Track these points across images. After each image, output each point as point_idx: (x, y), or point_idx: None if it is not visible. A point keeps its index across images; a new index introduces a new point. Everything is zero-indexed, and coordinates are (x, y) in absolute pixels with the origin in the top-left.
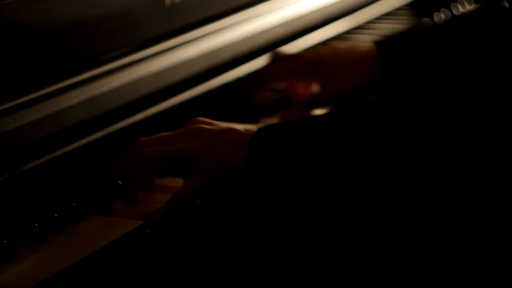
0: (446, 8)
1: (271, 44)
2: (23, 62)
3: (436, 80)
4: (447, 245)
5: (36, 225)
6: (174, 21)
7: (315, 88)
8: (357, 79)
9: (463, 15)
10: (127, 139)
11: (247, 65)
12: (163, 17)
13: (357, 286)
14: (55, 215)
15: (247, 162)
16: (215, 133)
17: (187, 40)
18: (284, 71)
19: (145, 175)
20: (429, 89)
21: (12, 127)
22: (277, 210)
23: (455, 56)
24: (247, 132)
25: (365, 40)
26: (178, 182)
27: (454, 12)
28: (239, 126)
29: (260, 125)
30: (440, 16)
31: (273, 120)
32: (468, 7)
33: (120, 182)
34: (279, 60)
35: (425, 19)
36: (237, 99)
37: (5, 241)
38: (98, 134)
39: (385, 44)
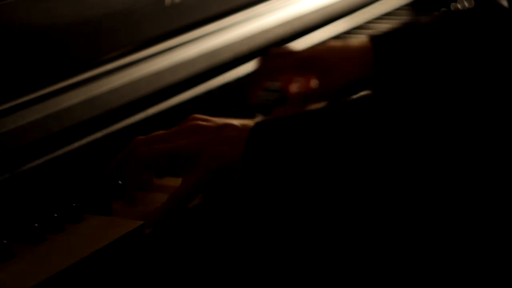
0: (446, 8)
1: (271, 44)
2: (23, 62)
3: (429, 76)
4: (441, 237)
5: (36, 225)
6: (174, 21)
7: (310, 83)
8: (352, 73)
9: (457, 12)
10: (127, 139)
11: (247, 65)
12: (163, 17)
13: (357, 282)
14: (55, 215)
15: (245, 157)
16: (212, 129)
17: (187, 40)
18: (279, 67)
19: (144, 174)
20: (421, 85)
21: (12, 127)
22: (275, 204)
23: (449, 52)
24: (244, 127)
25: None
26: (177, 182)
27: None
28: (236, 122)
29: (257, 119)
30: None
31: None
32: (468, 7)
33: (120, 182)
34: (274, 57)
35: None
36: (237, 99)
37: (5, 241)
38: (98, 134)
39: (379, 39)
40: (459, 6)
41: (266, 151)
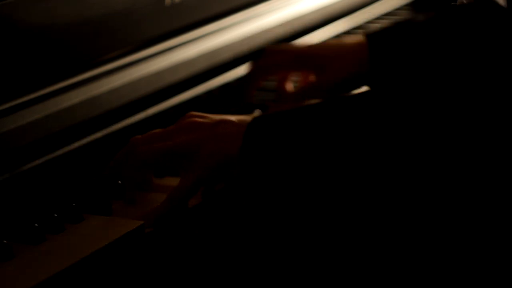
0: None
1: (271, 44)
2: (23, 62)
3: (424, 73)
4: (437, 228)
5: (36, 225)
6: (174, 21)
7: (306, 80)
8: (347, 70)
9: (453, 9)
10: (127, 139)
11: (247, 65)
12: (163, 17)
13: (356, 280)
14: (55, 215)
15: (242, 152)
16: (209, 126)
17: (187, 40)
18: (275, 64)
19: (143, 173)
20: (417, 81)
21: (12, 127)
22: (273, 199)
23: (444, 49)
24: (241, 122)
25: None
26: (177, 182)
27: None
28: (233, 118)
29: (254, 114)
30: None
31: None
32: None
33: (120, 182)
34: (270, 54)
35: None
36: (237, 99)
37: (5, 241)
38: (98, 134)
39: (374, 36)
40: None
41: (264, 146)
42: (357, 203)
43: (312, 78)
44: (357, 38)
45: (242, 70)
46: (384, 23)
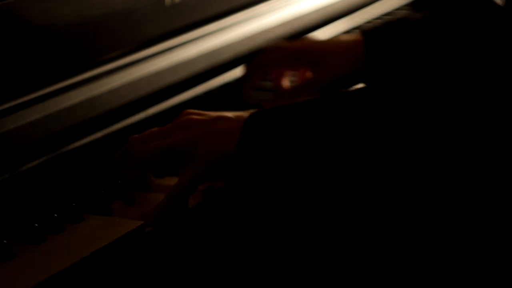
0: None
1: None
2: (23, 62)
3: (420, 70)
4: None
5: (36, 225)
6: (174, 21)
7: (303, 77)
8: (344, 67)
9: (449, 7)
10: (127, 139)
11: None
12: (163, 17)
13: (355, 279)
14: (55, 215)
15: (240, 148)
16: (206, 123)
17: (187, 40)
18: (272, 61)
19: (141, 172)
20: (413, 78)
21: (12, 127)
22: (271, 195)
23: (440, 46)
24: (238, 118)
25: None
26: None
27: None
28: (230, 114)
29: (252, 110)
30: None
31: None
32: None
33: (119, 181)
34: (266, 51)
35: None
36: (237, 99)
37: (5, 241)
38: (98, 134)
39: (370, 33)
40: None
41: (261, 141)
42: (354, 199)
43: (308, 74)
44: (354, 35)
45: (242, 70)
46: None
